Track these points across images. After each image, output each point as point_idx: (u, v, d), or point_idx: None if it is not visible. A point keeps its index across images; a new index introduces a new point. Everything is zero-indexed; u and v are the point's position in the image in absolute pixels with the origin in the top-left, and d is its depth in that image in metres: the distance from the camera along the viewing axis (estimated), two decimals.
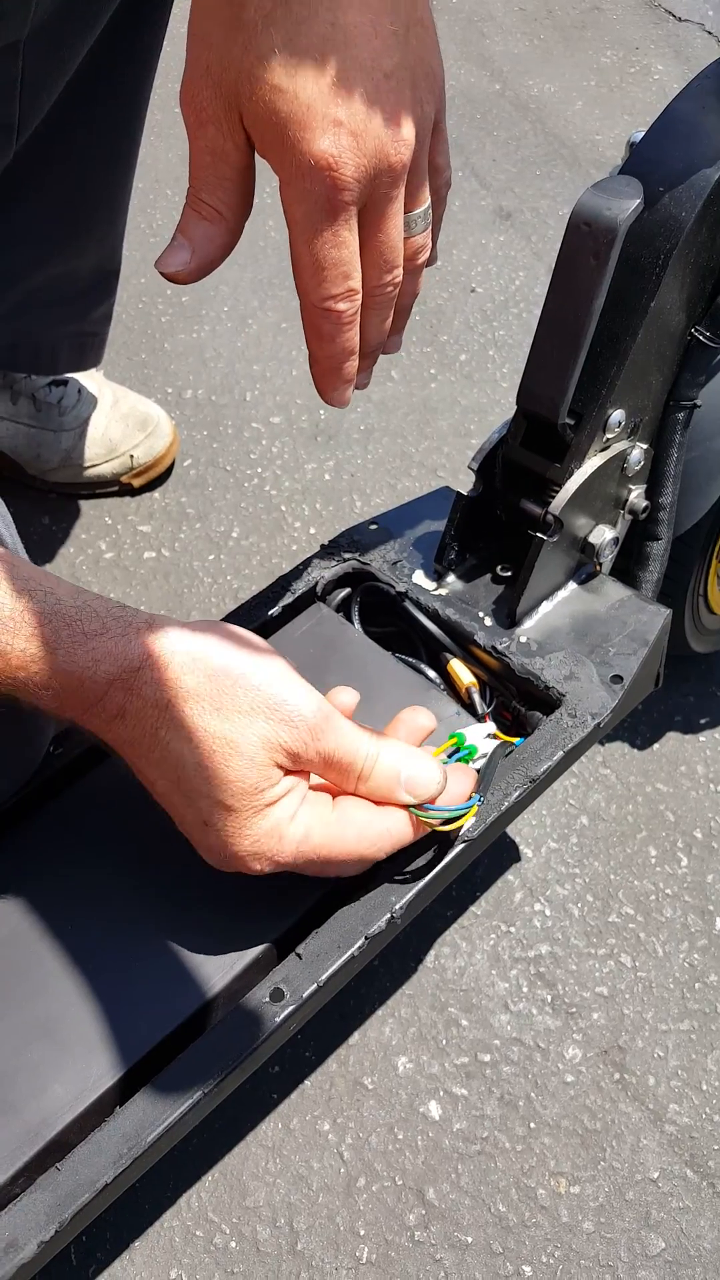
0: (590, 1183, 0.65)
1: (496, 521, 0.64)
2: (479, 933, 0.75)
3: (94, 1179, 0.43)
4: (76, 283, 0.83)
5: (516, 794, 0.54)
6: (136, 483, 0.99)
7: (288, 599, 0.63)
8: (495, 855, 0.78)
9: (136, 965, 0.48)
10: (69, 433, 0.94)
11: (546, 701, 0.59)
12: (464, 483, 0.64)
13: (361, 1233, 0.63)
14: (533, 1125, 0.67)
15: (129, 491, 1.00)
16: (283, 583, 0.64)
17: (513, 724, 0.61)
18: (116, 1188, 0.43)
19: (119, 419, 0.97)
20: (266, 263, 1.28)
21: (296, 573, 0.64)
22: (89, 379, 0.98)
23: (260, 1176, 0.64)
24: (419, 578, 0.64)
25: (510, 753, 0.55)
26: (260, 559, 0.98)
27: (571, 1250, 0.63)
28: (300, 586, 0.64)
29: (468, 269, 1.31)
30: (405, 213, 0.44)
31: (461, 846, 0.52)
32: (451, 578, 0.65)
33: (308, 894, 0.50)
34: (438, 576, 0.64)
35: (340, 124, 0.40)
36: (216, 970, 0.48)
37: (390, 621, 0.64)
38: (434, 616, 0.63)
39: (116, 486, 0.98)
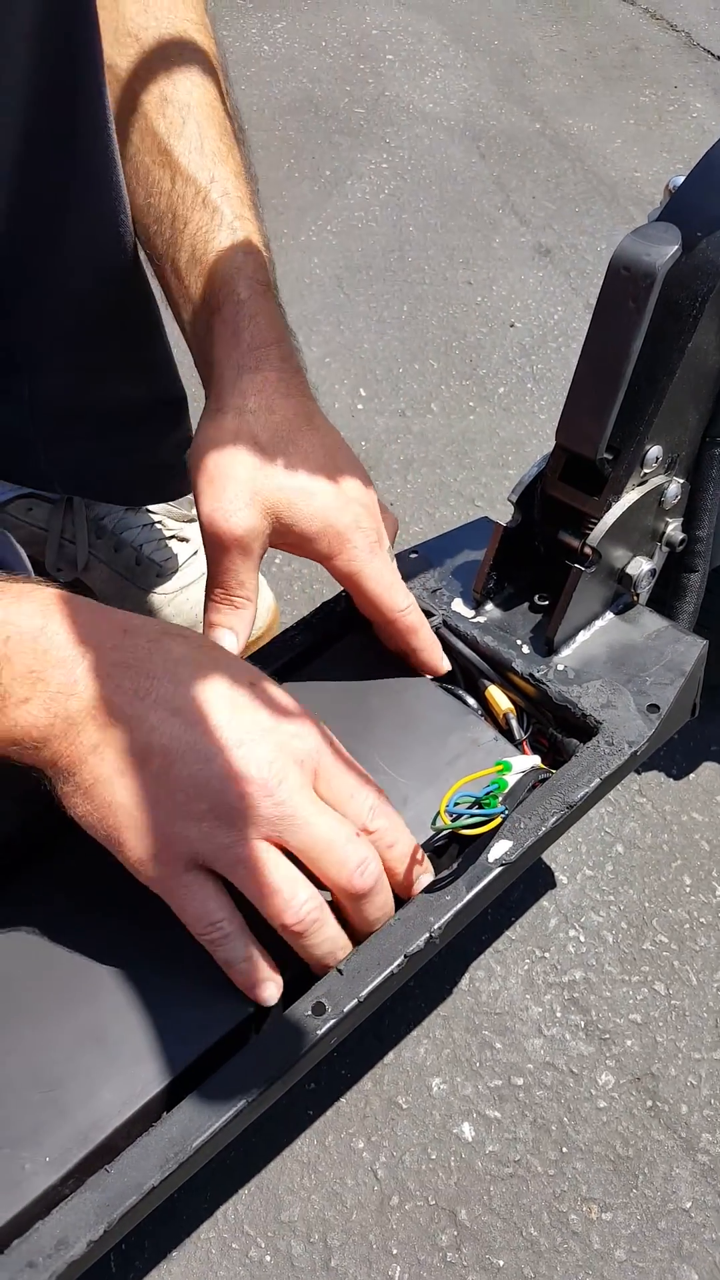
0: (622, 1210, 0.66)
1: (535, 552, 0.66)
2: (513, 957, 0.76)
3: (141, 1182, 0.44)
4: (129, 411, 0.78)
5: (553, 820, 0.55)
6: None
7: (330, 625, 0.65)
8: (530, 881, 0.79)
9: (184, 977, 0.50)
10: (157, 596, 0.89)
11: (583, 729, 0.60)
12: (502, 512, 0.65)
13: (394, 1251, 0.64)
14: (565, 1150, 0.67)
15: None
16: (324, 609, 0.66)
17: (549, 751, 0.63)
18: (162, 1191, 0.45)
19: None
20: (311, 299, 1.31)
21: (337, 599, 0.66)
22: None
23: (296, 1191, 0.65)
24: (457, 605, 0.66)
25: (546, 779, 0.57)
26: (301, 585, 1.00)
27: (603, 1278, 0.63)
28: (341, 612, 0.65)
29: (507, 304, 1.34)
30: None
31: (499, 870, 0.53)
32: (490, 606, 0.66)
33: None
34: (476, 604, 0.66)
35: (362, 503, 0.56)
36: None
37: None
38: (472, 643, 0.64)
39: None
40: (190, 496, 0.94)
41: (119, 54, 0.62)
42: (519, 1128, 0.68)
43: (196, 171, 0.60)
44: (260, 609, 0.89)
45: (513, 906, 0.78)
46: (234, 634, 0.55)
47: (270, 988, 0.48)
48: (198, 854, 0.45)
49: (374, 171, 1.54)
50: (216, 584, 0.55)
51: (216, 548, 0.54)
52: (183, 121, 0.61)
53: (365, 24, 1.85)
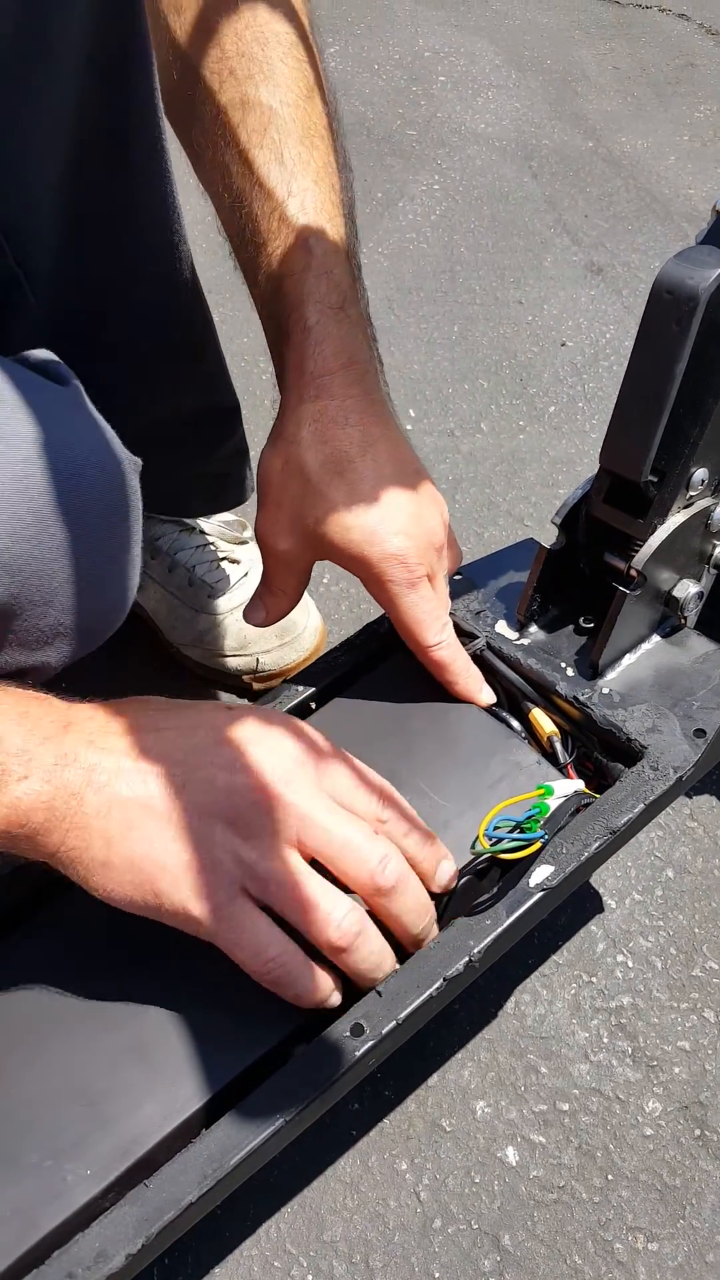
0: (669, 1241, 0.65)
1: (580, 574, 0.66)
2: (560, 981, 0.75)
3: (179, 1197, 0.45)
4: (185, 422, 0.79)
5: (596, 845, 0.55)
6: (257, 686, 0.91)
7: (374, 645, 0.66)
8: (578, 905, 0.79)
9: (226, 996, 0.51)
10: (207, 616, 0.90)
11: (628, 753, 0.60)
12: (551, 532, 0.65)
13: (436, 1275, 0.63)
14: (610, 1177, 0.67)
15: (245, 691, 0.92)
16: (370, 629, 0.67)
17: (594, 775, 0.62)
18: (200, 1207, 0.46)
19: None
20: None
21: (381, 620, 0.67)
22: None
23: (338, 1211, 0.65)
24: (501, 627, 0.66)
25: (589, 804, 0.57)
26: (349, 604, 1.01)
27: None
28: (387, 633, 0.66)
29: (558, 323, 1.34)
30: (450, 574, 0.62)
31: (540, 895, 0.53)
32: (534, 628, 0.66)
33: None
34: (520, 626, 0.66)
35: (410, 532, 0.56)
36: None
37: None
38: (515, 666, 0.64)
39: (239, 682, 0.91)
40: (240, 518, 0.96)
41: (199, 46, 0.59)
42: (564, 1153, 0.67)
43: (275, 185, 0.58)
44: (307, 629, 0.90)
45: (560, 930, 0.78)
46: (264, 609, 0.62)
47: (336, 997, 0.48)
48: (233, 878, 0.45)
49: (425, 193, 1.55)
50: (263, 578, 0.62)
51: (264, 557, 0.61)
52: (264, 130, 0.58)
53: (418, 46, 1.87)
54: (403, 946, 0.50)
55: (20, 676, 0.51)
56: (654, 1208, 0.66)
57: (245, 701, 0.79)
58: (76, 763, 0.44)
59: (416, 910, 0.49)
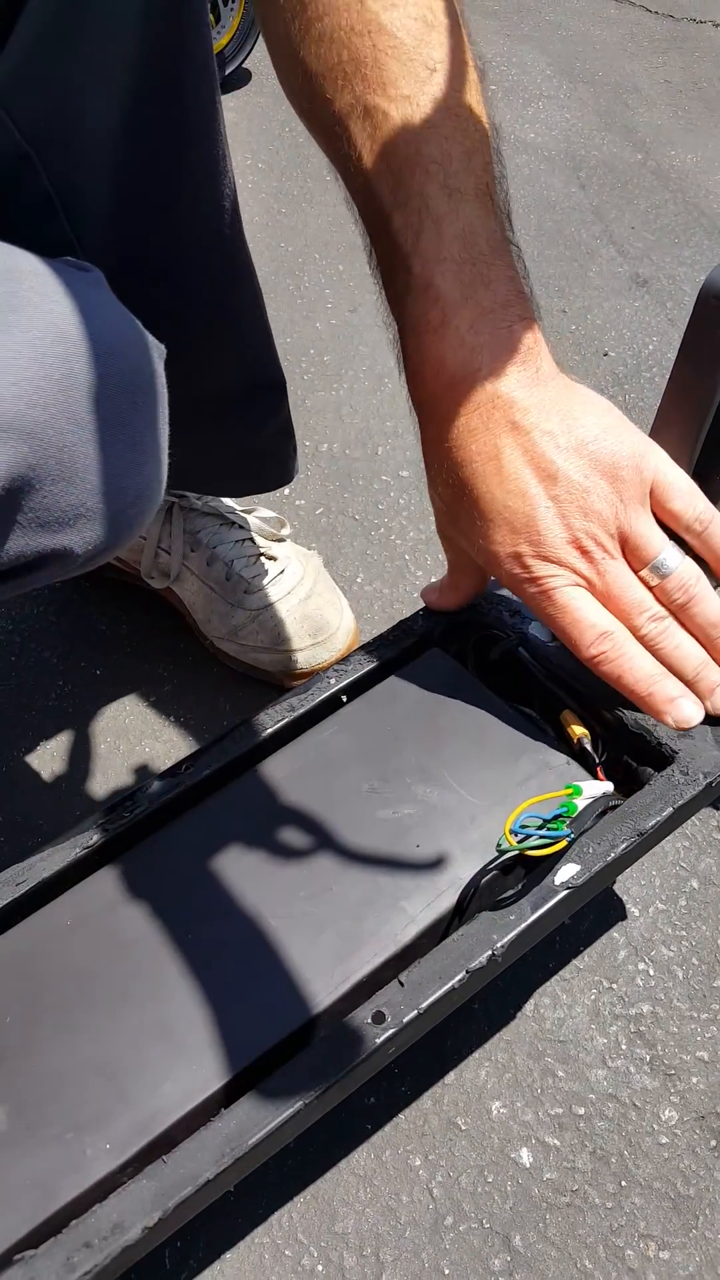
0: (681, 1250, 0.64)
1: None
2: (580, 986, 0.75)
3: (197, 1174, 0.45)
4: (229, 398, 0.78)
5: (623, 847, 0.55)
6: (288, 684, 0.91)
7: (407, 642, 0.66)
8: (601, 912, 0.79)
9: (249, 978, 0.51)
10: (243, 611, 0.90)
11: (659, 758, 0.60)
12: None
13: (446, 1272, 0.63)
14: (624, 1183, 0.66)
15: (278, 688, 0.92)
16: (403, 626, 0.67)
17: (623, 780, 0.62)
18: (217, 1185, 0.46)
19: (298, 616, 0.90)
20: None
21: (416, 618, 0.67)
22: (305, 564, 0.93)
23: (350, 1204, 0.66)
24: (536, 629, 0.66)
25: (616, 806, 0.57)
26: (382, 604, 1.01)
27: None
28: (420, 631, 0.66)
29: (601, 333, 1.34)
30: (638, 570, 0.55)
31: (565, 893, 0.53)
32: None
33: (414, 924, 0.52)
34: None
35: (531, 544, 0.53)
36: (323, 989, 0.50)
37: (506, 670, 0.66)
38: (549, 667, 0.64)
39: (272, 679, 0.92)
40: (279, 515, 0.96)
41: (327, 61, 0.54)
42: (578, 1157, 0.67)
43: (383, 194, 0.53)
44: (340, 629, 0.91)
45: (582, 936, 0.78)
46: (436, 591, 0.65)
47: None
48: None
49: None
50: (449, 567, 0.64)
51: (445, 549, 0.63)
52: (374, 138, 0.53)
53: None
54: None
55: (41, 565, 0.49)
56: (667, 1216, 0.65)
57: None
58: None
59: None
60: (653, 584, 0.55)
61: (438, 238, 0.52)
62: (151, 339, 0.52)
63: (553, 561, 0.53)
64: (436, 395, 0.54)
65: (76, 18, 0.54)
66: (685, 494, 0.54)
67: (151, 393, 0.51)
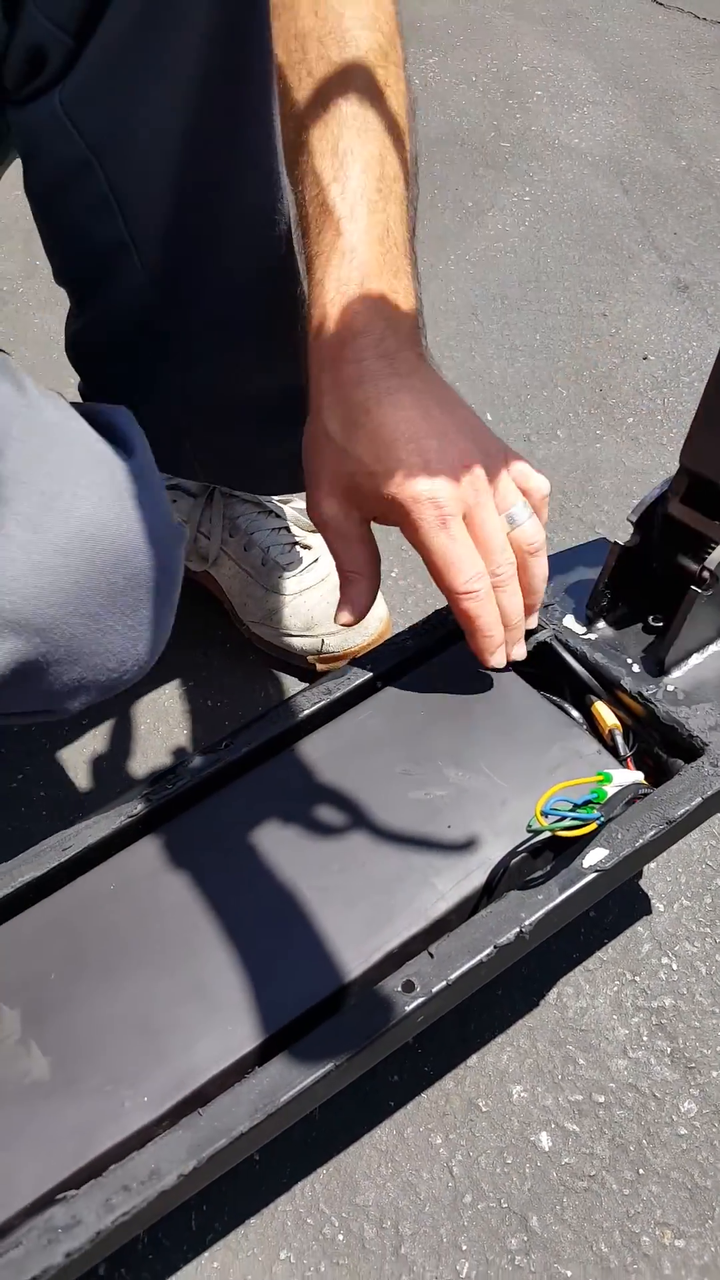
0: (696, 1239, 0.65)
1: (651, 573, 0.67)
2: (603, 978, 0.76)
3: (230, 1127, 0.47)
4: (272, 401, 0.80)
5: (651, 833, 0.56)
6: (320, 667, 0.93)
7: (441, 631, 0.68)
8: (626, 906, 0.80)
9: (283, 946, 0.53)
10: (276, 596, 0.91)
11: (689, 750, 0.61)
12: (624, 536, 0.67)
13: (464, 1247, 0.65)
14: (641, 1172, 0.67)
15: (310, 671, 0.93)
16: (437, 616, 0.69)
17: (653, 772, 0.63)
18: (250, 1139, 0.48)
19: (331, 601, 0.91)
20: (445, 326, 1.34)
21: (448, 607, 0.69)
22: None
23: (372, 1177, 0.67)
24: (569, 621, 0.68)
25: (646, 794, 0.58)
26: (415, 599, 1.03)
27: None
28: (453, 621, 0.68)
29: (641, 337, 1.35)
30: (501, 512, 0.59)
31: (593, 876, 0.54)
32: (602, 624, 0.68)
33: (444, 900, 0.54)
34: (588, 622, 0.67)
35: (431, 473, 0.56)
36: (354, 959, 0.52)
37: (540, 661, 0.68)
38: (581, 659, 0.66)
39: (304, 662, 0.93)
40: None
41: (285, 45, 0.62)
42: (597, 1144, 0.68)
43: (323, 171, 0.60)
44: (373, 616, 0.92)
45: (607, 929, 0.79)
46: (349, 604, 0.62)
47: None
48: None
49: (515, 204, 1.57)
50: (336, 565, 0.63)
51: (321, 534, 0.62)
52: (326, 123, 0.61)
53: (516, 60, 1.89)
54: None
55: (31, 716, 0.55)
56: (683, 1206, 0.66)
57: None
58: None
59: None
60: (506, 531, 0.60)
61: (368, 217, 0.60)
62: (175, 530, 0.56)
63: (449, 493, 0.56)
64: (345, 340, 0.58)
65: (146, 40, 0.57)
66: (536, 475, 0.61)
67: (167, 584, 0.55)
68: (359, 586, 0.62)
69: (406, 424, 0.56)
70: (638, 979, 0.76)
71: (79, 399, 0.90)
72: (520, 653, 0.62)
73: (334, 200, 0.60)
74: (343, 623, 0.63)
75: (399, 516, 0.57)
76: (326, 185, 0.60)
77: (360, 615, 0.63)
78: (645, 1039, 0.73)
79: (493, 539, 0.58)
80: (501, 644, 0.61)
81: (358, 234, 0.60)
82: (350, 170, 0.60)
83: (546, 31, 1.99)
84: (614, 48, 1.95)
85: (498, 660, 0.61)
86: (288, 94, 0.62)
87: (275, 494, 0.94)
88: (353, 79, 0.61)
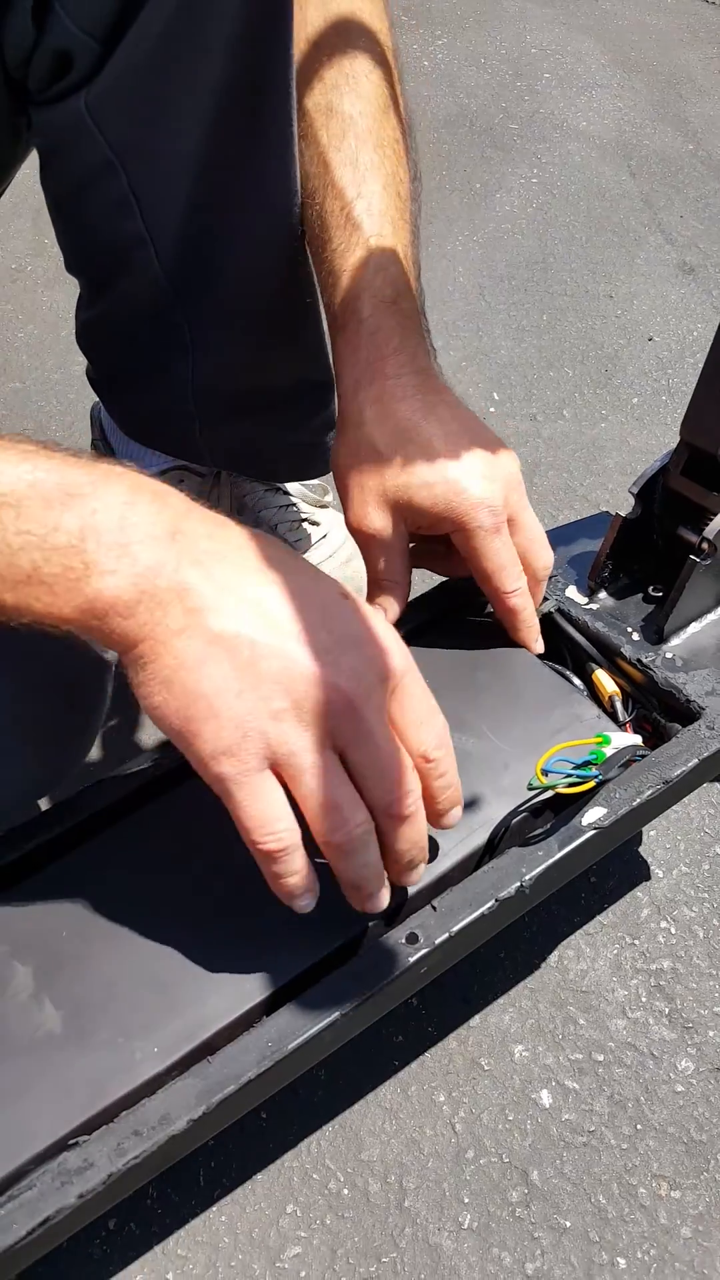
0: (691, 1190, 0.67)
1: (652, 545, 0.69)
2: (603, 941, 0.78)
3: (239, 1074, 0.49)
4: (281, 392, 0.82)
5: (648, 793, 0.57)
6: None
7: (446, 603, 0.69)
8: (626, 871, 0.81)
9: None
10: None
11: (686, 714, 0.62)
12: (627, 509, 0.68)
13: (465, 1200, 0.66)
14: (639, 1127, 0.69)
15: None
16: (444, 587, 0.70)
17: (652, 737, 0.65)
18: (257, 1087, 0.49)
19: (339, 578, 0.84)
20: (452, 306, 1.35)
21: (456, 580, 0.70)
22: (347, 529, 0.99)
23: (376, 1134, 0.69)
24: (571, 592, 0.69)
25: (643, 756, 0.59)
26: (421, 574, 1.04)
27: (668, 1252, 0.65)
28: (459, 592, 0.69)
29: (647, 319, 1.35)
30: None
31: (592, 834, 0.56)
32: (604, 594, 0.69)
33: (447, 858, 0.55)
34: (590, 592, 0.69)
35: (489, 477, 0.58)
36: (360, 914, 0.53)
37: (542, 631, 0.69)
38: (582, 628, 0.67)
39: None
40: (322, 482, 0.99)
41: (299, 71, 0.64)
42: (596, 1101, 0.70)
43: (346, 186, 0.63)
44: None
45: (607, 894, 0.80)
46: (382, 610, 0.60)
47: (310, 899, 0.49)
48: (272, 754, 0.45)
49: (523, 186, 1.57)
50: (370, 575, 0.63)
51: (362, 546, 0.62)
52: (342, 135, 0.64)
53: (525, 43, 1.89)
54: (389, 874, 0.50)
55: None
56: (679, 1159, 0.68)
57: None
58: (174, 575, 0.44)
59: (413, 844, 0.49)
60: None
61: (394, 235, 0.62)
62: (109, 655, 0.58)
63: (502, 501, 0.59)
64: (385, 355, 0.60)
65: (173, 48, 0.58)
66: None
67: (90, 710, 0.59)
68: (395, 594, 0.63)
69: (456, 437, 0.59)
70: (637, 942, 0.78)
71: (86, 382, 0.92)
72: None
73: (360, 215, 0.62)
74: None
75: (454, 524, 0.59)
76: (352, 200, 0.62)
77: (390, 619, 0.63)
78: (644, 1000, 0.75)
79: (538, 537, 0.62)
80: (539, 632, 0.65)
81: (388, 252, 0.62)
82: (373, 187, 0.63)
83: (555, 14, 1.99)
84: (622, 31, 1.95)
85: (539, 645, 0.65)
86: (298, 101, 0.64)
87: (284, 480, 0.96)
88: (364, 91, 0.64)
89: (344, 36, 0.64)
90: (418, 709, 0.49)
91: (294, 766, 0.45)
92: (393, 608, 0.63)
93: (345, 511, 0.62)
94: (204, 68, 0.59)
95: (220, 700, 0.44)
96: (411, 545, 0.63)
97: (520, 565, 0.61)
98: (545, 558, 0.62)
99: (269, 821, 0.46)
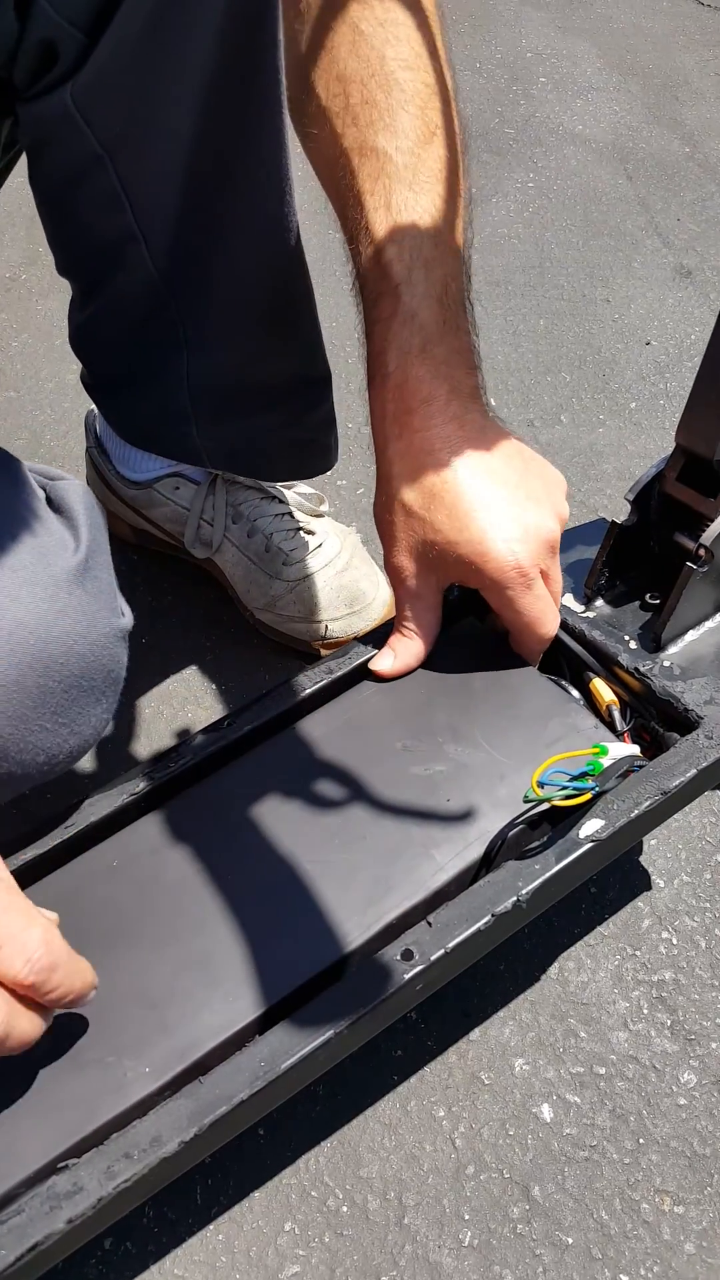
0: (695, 1206, 0.66)
1: (648, 551, 0.68)
2: (604, 952, 0.77)
3: (231, 1094, 0.48)
4: (278, 389, 0.81)
5: (646, 804, 0.57)
6: (325, 653, 0.92)
7: (442, 612, 0.68)
8: (627, 882, 0.80)
9: (284, 919, 0.54)
10: (281, 583, 0.92)
11: (685, 724, 0.62)
12: (623, 515, 0.67)
13: (466, 1217, 0.66)
14: (641, 1141, 0.68)
15: (314, 658, 0.91)
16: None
17: (650, 746, 0.64)
18: (250, 1108, 0.49)
19: (335, 587, 0.92)
20: None
21: (452, 589, 0.69)
22: (343, 539, 0.96)
23: (375, 1150, 0.68)
24: (568, 600, 0.68)
25: (642, 766, 0.58)
26: None
27: (671, 1269, 0.64)
28: (455, 601, 0.68)
29: (644, 323, 1.35)
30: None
31: (589, 846, 0.55)
32: (600, 602, 0.68)
33: (443, 872, 0.54)
34: (587, 600, 0.68)
35: (516, 537, 0.59)
36: (354, 930, 0.53)
37: None
38: (579, 637, 0.66)
39: (308, 648, 0.94)
40: (318, 492, 0.99)
41: (328, 89, 0.63)
42: (598, 1115, 0.69)
43: (378, 228, 0.61)
44: (376, 600, 0.93)
45: (607, 904, 0.79)
46: (392, 653, 0.65)
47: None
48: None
49: (519, 190, 1.57)
50: (396, 615, 0.66)
51: (394, 590, 0.65)
52: (377, 176, 0.62)
53: (521, 47, 1.88)
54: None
55: None
56: (682, 1174, 0.67)
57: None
58: None
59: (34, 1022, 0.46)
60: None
61: (425, 278, 0.61)
62: (118, 628, 0.58)
63: (531, 559, 0.59)
64: (412, 408, 0.60)
65: (159, 37, 0.57)
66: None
67: (102, 682, 0.57)
68: (412, 644, 0.65)
69: (483, 494, 0.59)
70: (638, 953, 0.77)
71: (82, 387, 0.91)
72: None
73: (390, 260, 0.61)
74: (377, 669, 0.65)
75: (483, 582, 0.60)
76: (383, 245, 0.61)
77: (398, 673, 0.65)
78: (646, 1012, 0.74)
79: (560, 593, 0.63)
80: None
81: (417, 298, 0.61)
82: (405, 228, 0.61)
83: (551, 18, 1.98)
84: (618, 34, 1.95)
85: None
86: (335, 140, 0.63)
87: (281, 480, 0.95)
88: (401, 126, 0.61)
89: (380, 63, 0.62)
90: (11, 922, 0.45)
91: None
92: (406, 656, 0.65)
93: (386, 559, 0.64)
94: (191, 56, 0.58)
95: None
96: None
97: (557, 616, 0.63)
98: (557, 620, 0.63)
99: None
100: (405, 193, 0.61)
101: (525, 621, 0.61)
